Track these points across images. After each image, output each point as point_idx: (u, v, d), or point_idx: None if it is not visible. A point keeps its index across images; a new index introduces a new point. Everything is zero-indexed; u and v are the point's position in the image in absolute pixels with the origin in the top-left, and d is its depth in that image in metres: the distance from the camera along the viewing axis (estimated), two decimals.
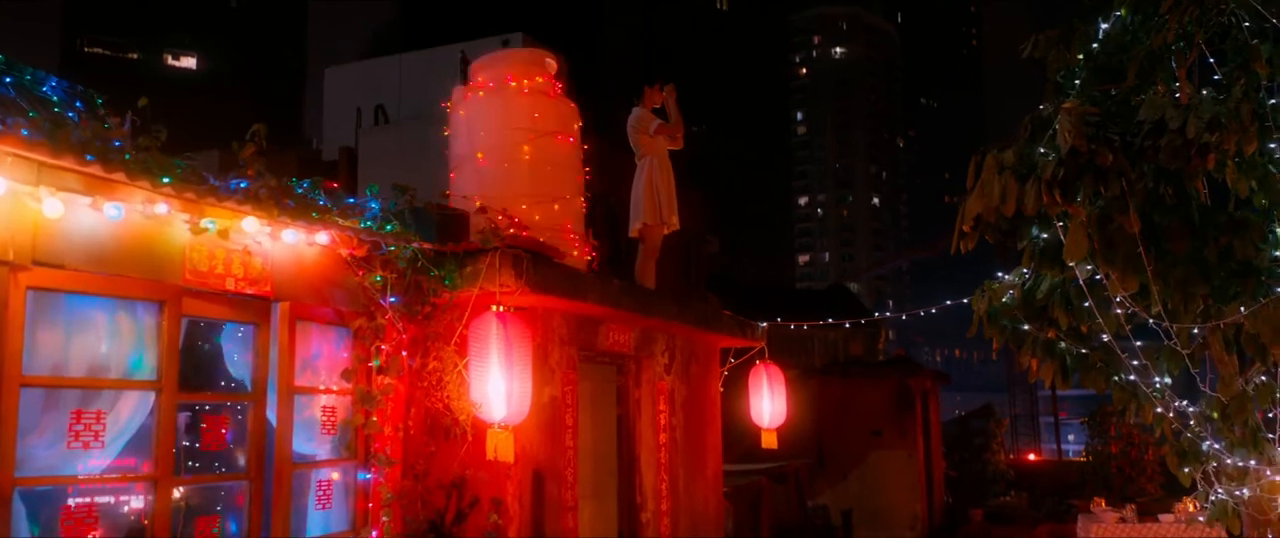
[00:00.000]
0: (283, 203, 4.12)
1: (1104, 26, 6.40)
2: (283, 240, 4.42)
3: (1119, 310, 5.95)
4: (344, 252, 4.85)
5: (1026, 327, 6.66)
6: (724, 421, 9.70)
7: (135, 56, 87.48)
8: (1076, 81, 6.45)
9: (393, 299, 5.09)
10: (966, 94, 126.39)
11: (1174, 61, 6.06)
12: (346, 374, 4.95)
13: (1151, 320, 5.93)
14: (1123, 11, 6.35)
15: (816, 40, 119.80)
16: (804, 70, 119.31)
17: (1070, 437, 33.96)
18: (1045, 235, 6.08)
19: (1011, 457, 24.41)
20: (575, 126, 6.62)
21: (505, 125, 6.19)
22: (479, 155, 6.18)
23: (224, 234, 3.96)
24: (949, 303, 8.32)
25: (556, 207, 6.25)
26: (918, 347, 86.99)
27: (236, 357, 4.54)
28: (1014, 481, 21.28)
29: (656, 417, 7.68)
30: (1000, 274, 6.96)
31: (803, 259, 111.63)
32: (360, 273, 4.96)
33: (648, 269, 8.39)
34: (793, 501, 15.13)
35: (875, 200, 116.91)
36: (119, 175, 3.42)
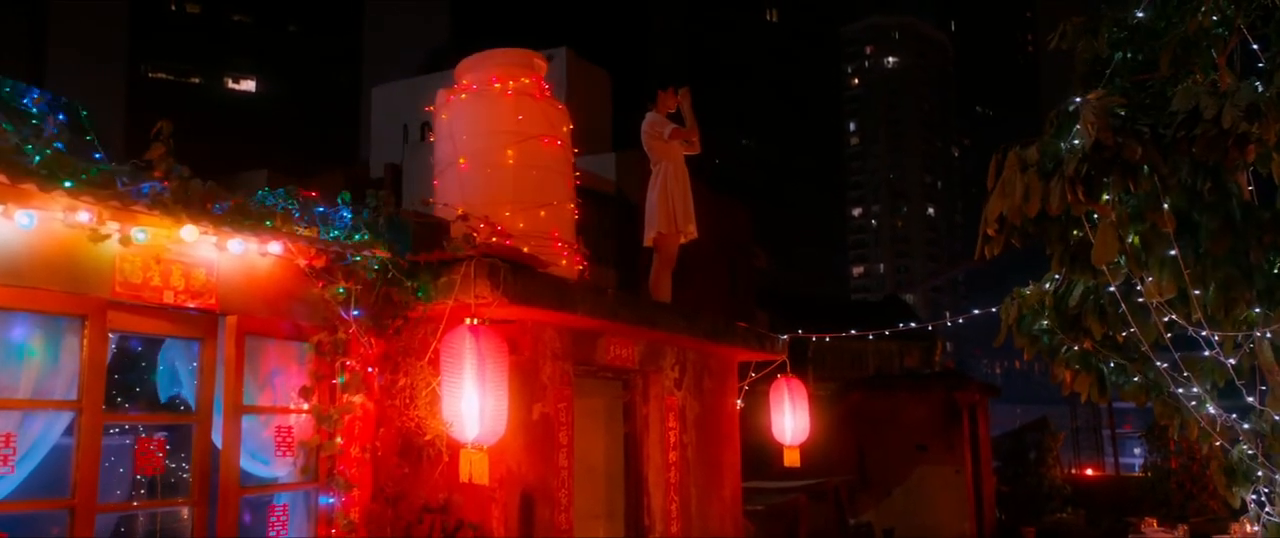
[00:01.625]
0: (203, 208, 3.85)
1: (1139, 15, 5.93)
2: (229, 250, 4.16)
3: (1156, 318, 5.50)
4: (302, 262, 4.58)
5: (1059, 336, 6.23)
6: (758, 437, 9.29)
7: (197, 81, 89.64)
8: (1106, 72, 6.00)
9: (358, 312, 4.80)
10: (1023, 101, 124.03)
11: (1213, 48, 5.61)
12: (304, 392, 4.67)
13: (1192, 329, 5.46)
14: None
15: (869, 50, 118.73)
16: (856, 80, 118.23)
17: (1135, 450, 32.69)
18: (1076, 235, 5.63)
19: (1070, 472, 23.49)
20: (565, 129, 6.31)
21: (488, 129, 5.90)
22: (461, 160, 5.90)
23: (126, 242, 3.69)
24: (976, 312, 7.89)
25: (543, 213, 5.93)
26: (976, 359, 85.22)
27: (180, 374, 4.29)
28: (1071, 496, 20.41)
29: (666, 435, 7.31)
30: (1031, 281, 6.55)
31: (857, 271, 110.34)
32: (320, 285, 4.69)
33: (663, 280, 8.06)
34: (833, 518, 14.63)
35: (930, 211, 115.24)
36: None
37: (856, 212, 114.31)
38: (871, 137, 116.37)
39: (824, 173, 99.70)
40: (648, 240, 8.05)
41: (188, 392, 4.29)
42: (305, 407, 4.72)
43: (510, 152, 5.87)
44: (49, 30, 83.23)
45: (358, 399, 4.88)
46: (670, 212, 7.91)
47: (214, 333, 4.26)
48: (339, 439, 4.77)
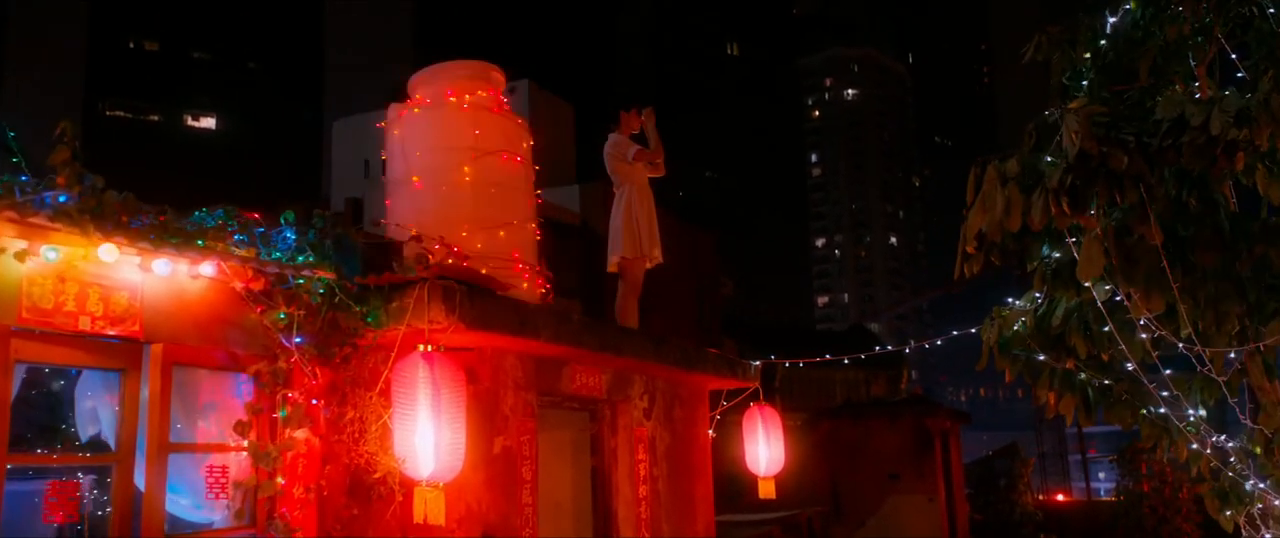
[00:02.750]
0: (119, 222, 3.49)
1: (1112, 21, 5.77)
2: (155, 271, 3.79)
3: (1144, 335, 5.27)
4: (238, 285, 4.22)
5: (1042, 357, 5.99)
6: (730, 469, 8.98)
7: (156, 119, 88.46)
8: (1084, 82, 5.82)
9: (301, 339, 4.44)
10: (980, 130, 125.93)
11: (1192, 57, 5.45)
12: (240, 427, 4.28)
13: (1181, 345, 5.23)
14: (1132, 4, 5.72)
15: (829, 82, 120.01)
16: (817, 112, 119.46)
17: (1101, 475, 32.72)
18: (1057, 254, 5.41)
19: (1040, 498, 23.40)
20: (524, 145, 6.00)
21: (444, 144, 5.58)
22: (415, 178, 5.57)
23: (22, 258, 3.31)
24: (955, 333, 7.65)
25: (502, 233, 5.60)
26: (942, 386, 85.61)
27: (98, 410, 3.90)
28: (1043, 523, 20.31)
29: (635, 467, 6.97)
30: (1010, 300, 6.31)
31: (822, 301, 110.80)
32: (259, 310, 4.32)
33: (628, 306, 7.75)
34: None
35: (893, 240, 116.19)
36: None
37: (820, 241, 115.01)
38: (833, 167, 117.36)
39: (787, 203, 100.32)
40: (611, 265, 7.76)
41: (108, 429, 3.90)
42: (242, 444, 4.33)
43: (467, 168, 5.55)
44: (3, 66, 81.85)
45: (301, 435, 4.50)
46: (635, 235, 7.62)
47: (137, 363, 3.87)
48: (280, 479, 4.38)
